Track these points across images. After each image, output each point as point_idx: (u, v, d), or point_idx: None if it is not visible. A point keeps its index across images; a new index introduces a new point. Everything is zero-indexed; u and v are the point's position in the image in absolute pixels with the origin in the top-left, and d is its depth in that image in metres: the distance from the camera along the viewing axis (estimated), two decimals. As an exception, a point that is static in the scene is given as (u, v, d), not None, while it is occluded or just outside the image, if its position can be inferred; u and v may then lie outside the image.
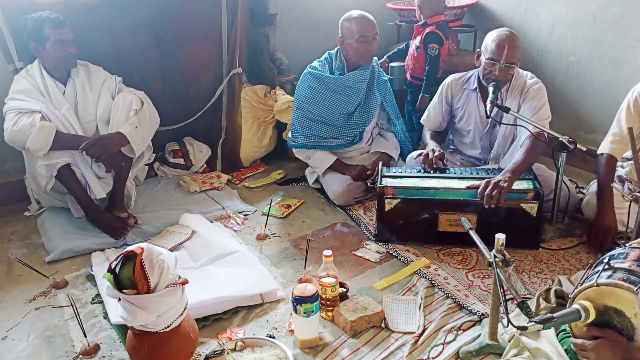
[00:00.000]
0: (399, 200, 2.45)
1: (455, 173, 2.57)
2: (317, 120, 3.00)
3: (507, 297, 1.85)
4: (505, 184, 2.31)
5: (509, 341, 1.82)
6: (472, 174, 2.55)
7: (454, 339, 1.93)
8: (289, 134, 3.14)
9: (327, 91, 2.95)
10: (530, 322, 1.49)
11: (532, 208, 2.36)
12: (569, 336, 1.68)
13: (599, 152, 2.44)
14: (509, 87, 2.62)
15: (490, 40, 2.51)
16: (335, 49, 3.00)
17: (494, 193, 2.30)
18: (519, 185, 2.41)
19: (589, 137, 3.25)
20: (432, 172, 2.58)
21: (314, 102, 2.96)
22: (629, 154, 2.46)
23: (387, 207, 2.46)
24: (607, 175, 2.37)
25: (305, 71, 3.01)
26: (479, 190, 2.35)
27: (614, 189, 2.43)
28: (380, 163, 2.77)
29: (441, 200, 2.42)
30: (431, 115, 2.90)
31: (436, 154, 2.61)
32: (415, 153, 2.81)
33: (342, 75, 2.93)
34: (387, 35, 3.53)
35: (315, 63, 3.02)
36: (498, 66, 2.47)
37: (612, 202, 2.34)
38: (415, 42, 3.19)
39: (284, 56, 3.52)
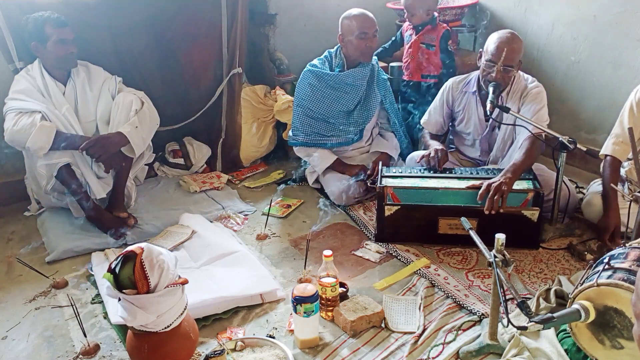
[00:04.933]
0: (399, 206, 2.45)
1: (455, 173, 2.56)
2: (318, 117, 3.00)
3: (507, 297, 1.85)
4: (506, 187, 2.31)
5: (509, 341, 1.82)
6: (472, 174, 2.55)
7: (454, 339, 1.93)
8: (290, 132, 3.15)
9: (327, 88, 2.95)
10: (530, 322, 1.49)
11: (533, 214, 2.36)
12: (569, 336, 1.68)
13: (601, 153, 2.43)
14: (509, 90, 2.61)
15: (491, 41, 2.51)
16: (335, 46, 3.00)
17: (495, 197, 2.30)
18: (519, 185, 2.41)
19: (589, 137, 3.25)
20: (432, 172, 2.58)
21: (314, 99, 2.96)
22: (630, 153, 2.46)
23: (387, 213, 2.46)
24: (611, 178, 2.35)
25: (305, 69, 3.01)
26: (480, 193, 2.35)
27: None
28: (380, 163, 2.77)
29: (441, 207, 2.42)
30: (432, 118, 2.90)
31: (439, 155, 2.60)
32: (416, 154, 2.81)
33: (342, 72, 2.94)
34: (387, 35, 3.53)
35: (315, 61, 3.02)
36: (496, 68, 2.47)
37: (616, 203, 2.34)
38: (426, 41, 3.17)
39: (284, 56, 3.52)
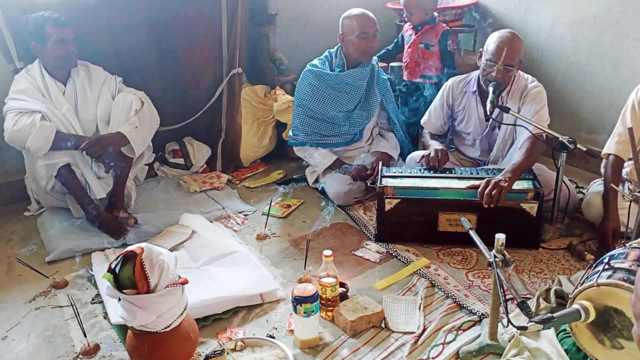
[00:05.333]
0: (399, 200, 2.45)
1: (455, 173, 2.56)
2: (318, 117, 3.00)
3: (507, 297, 1.85)
4: (505, 184, 2.31)
5: (509, 341, 1.82)
6: (472, 174, 2.55)
7: (454, 339, 1.93)
8: (290, 132, 3.15)
9: (327, 88, 2.95)
10: (530, 322, 1.49)
11: (532, 208, 2.36)
12: (569, 336, 1.68)
13: (604, 152, 2.43)
14: (509, 90, 2.61)
15: (491, 41, 2.51)
16: (335, 46, 3.01)
17: (493, 192, 2.30)
18: (519, 185, 2.41)
19: (589, 137, 3.25)
20: (432, 172, 2.57)
21: (314, 99, 2.97)
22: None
23: (387, 207, 2.46)
24: (613, 177, 2.34)
25: (305, 69, 3.02)
26: (479, 189, 2.35)
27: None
28: (380, 163, 2.77)
29: (441, 200, 2.43)
30: (432, 118, 2.90)
31: (439, 155, 2.60)
32: (416, 154, 2.81)
33: (342, 72, 2.94)
34: (387, 35, 3.53)
35: (315, 61, 3.02)
36: (496, 67, 2.47)
37: (616, 206, 2.34)
38: (425, 41, 3.18)
39: (284, 56, 3.52)
